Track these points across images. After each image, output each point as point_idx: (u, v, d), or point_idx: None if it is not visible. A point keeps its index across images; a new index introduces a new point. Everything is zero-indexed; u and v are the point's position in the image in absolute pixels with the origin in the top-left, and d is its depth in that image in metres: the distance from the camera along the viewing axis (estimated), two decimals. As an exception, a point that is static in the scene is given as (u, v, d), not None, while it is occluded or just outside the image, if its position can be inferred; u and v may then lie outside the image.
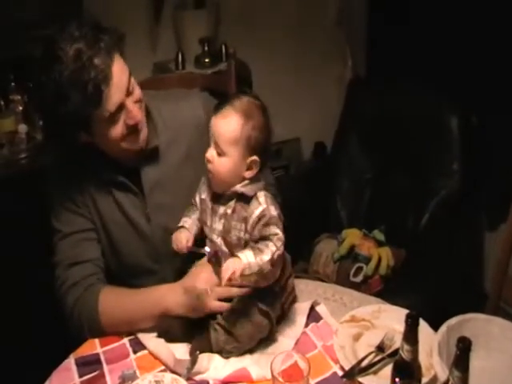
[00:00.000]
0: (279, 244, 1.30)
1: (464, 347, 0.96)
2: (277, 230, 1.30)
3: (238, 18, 2.89)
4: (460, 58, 2.46)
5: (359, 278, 2.29)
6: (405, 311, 1.40)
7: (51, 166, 1.58)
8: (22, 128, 2.35)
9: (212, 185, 1.38)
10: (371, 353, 1.33)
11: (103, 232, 1.54)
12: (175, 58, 2.68)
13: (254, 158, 1.31)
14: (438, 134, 2.45)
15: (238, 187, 1.32)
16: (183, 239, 1.40)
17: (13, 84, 2.38)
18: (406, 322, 1.06)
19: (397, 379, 1.08)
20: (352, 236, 2.38)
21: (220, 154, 1.30)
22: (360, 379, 1.26)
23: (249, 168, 1.32)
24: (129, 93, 1.38)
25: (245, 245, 1.34)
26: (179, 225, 1.43)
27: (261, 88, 3.02)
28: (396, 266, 2.33)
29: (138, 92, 1.42)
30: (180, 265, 1.50)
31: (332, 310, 1.51)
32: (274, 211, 1.31)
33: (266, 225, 1.30)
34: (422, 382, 1.12)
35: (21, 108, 2.40)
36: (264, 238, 1.30)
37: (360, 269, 2.31)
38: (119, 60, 1.36)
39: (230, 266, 1.25)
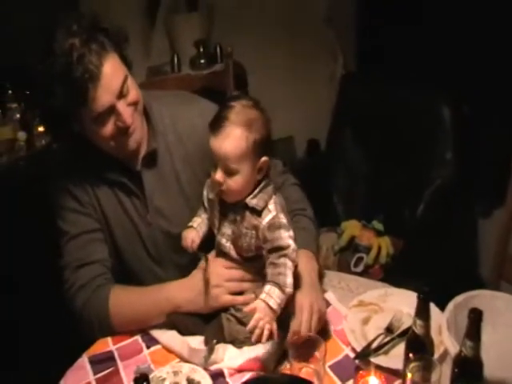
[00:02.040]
0: (294, 255, 1.30)
1: (475, 318, 0.98)
2: (289, 241, 1.30)
3: (231, 19, 2.92)
4: (450, 49, 2.50)
5: (360, 268, 2.32)
6: (410, 293, 1.45)
7: (55, 166, 1.58)
8: (22, 135, 2.35)
9: (224, 197, 1.36)
10: (381, 334, 1.35)
11: (107, 232, 1.54)
12: (171, 61, 2.71)
13: (264, 159, 1.31)
14: (431, 124, 2.47)
15: (249, 200, 1.32)
16: (189, 239, 1.40)
17: (10, 92, 2.39)
18: (419, 297, 1.09)
19: (410, 354, 1.10)
20: (351, 227, 2.41)
21: (230, 173, 1.29)
22: (372, 359, 1.28)
23: (259, 171, 1.32)
24: (121, 95, 1.36)
25: (256, 249, 1.35)
26: (189, 224, 1.44)
27: (254, 87, 3.08)
28: (395, 255, 2.36)
29: (134, 95, 1.40)
30: (183, 267, 1.51)
31: (339, 296, 1.53)
32: (283, 218, 1.31)
33: (277, 229, 1.30)
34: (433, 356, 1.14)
35: (18, 116, 2.41)
36: (278, 253, 1.30)
37: (360, 259, 2.34)
38: (113, 61, 1.35)
39: (261, 324, 1.24)
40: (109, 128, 1.38)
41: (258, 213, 1.32)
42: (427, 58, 2.62)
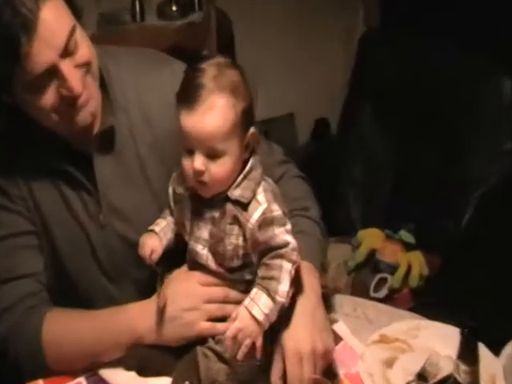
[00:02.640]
0: (294, 256, 1.32)
1: (469, 334, 1.09)
2: (286, 238, 1.32)
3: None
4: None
5: (382, 293, 2.34)
6: (451, 328, 1.47)
7: None
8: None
9: (201, 192, 1.37)
10: (410, 382, 1.37)
11: (44, 238, 1.56)
12: (131, 7, 2.71)
13: (252, 131, 1.34)
14: (482, 103, 2.49)
15: (231, 191, 1.34)
16: (148, 248, 1.42)
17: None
18: (462, 334, 1.10)
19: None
20: (371, 238, 2.43)
21: (214, 156, 1.30)
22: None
23: (247, 146, 1.35)
24: (66, 53, 1.35)
25: (243, 258, 1.37)
26: (149, 228, 1.46)
27: (243, 47, 3.10)
28: (430, 276, 2.38)
29: (84, 53, 1.40)
30: (144, 284, 1.54)
31: (354, 328, 1.56)
32: (277, 210, 1.33)
33: (270, 226, 1.32)
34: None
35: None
36: (272, 253, 1.32)
37: (383, 281, 2.36)
38: (56, 5, 1.34)
39: (241, 336, 1.27)
40: (50, 96, 1.37)
41: (243, 206, 1.34)
42: (476, 13, 2.63)
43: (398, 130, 2.70)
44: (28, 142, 1.50)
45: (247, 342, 1.26)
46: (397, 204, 2.67)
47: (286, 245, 1.31)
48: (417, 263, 2.36)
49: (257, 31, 3.02)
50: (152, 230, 1.45)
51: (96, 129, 1.52)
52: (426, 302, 2.30)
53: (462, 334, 1.11)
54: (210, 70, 1.29)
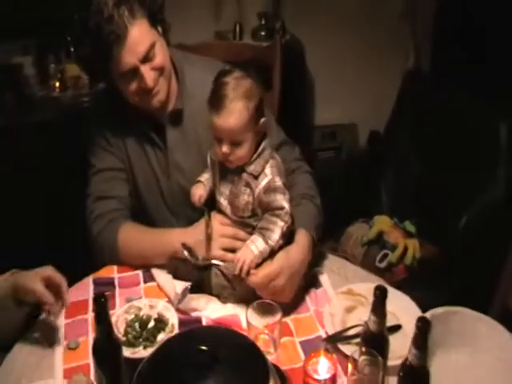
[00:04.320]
0: (287, 218, 1.39)
1: (381, 295, 1.10)
2: (283, 203, 1.38)
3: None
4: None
5: (383, 264, 2.31)
6: (404, 297, 1.46)
7: (94, 107, 1.74)
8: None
9: (228, 165, 1.43)
10: (358, 325, 1.36)
11: (130, 175, 1.66)
12: (233, 29, 2.80)
13: (263, 120, 1.40)
14: (487, 137, 2.40)
15: (247, 166, 1.40)
16: (197, 195, 1.50)
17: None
18: (375, 294, 1.11)
19: (363, 348, 1.12)
20: (381, 223, 2.41)
21: (236, 144, 1.37)
22: (339, 345, 1.31)
23: (259, 132, 1.40)
24: (146, 59, 1.46)
25: (251, 211, 1.43)
26: (197, 179, 1.53)
27: (317, 70, 3.10)
28: (424, 259, 2.34)
29: (159, 60, 1.49)
30: (196, 221, 1.58)
31: (333, 282, 1.56)
32: (279, 181, 1.39)
33: (273, 192, 1.38)
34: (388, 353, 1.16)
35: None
36: (272, 211, 1.38)
37: (386, 255, 2.34)
38: (141, 26, 1.44)
39: (242, 259, 1.35)
40: (133, 86, 1.49)
41: (254, 176, 1.40)
42: (499, 71, 2.53)
43: (425, 150, 2.62)
44: (125, 113, 1.60)
45: (247, 261, 1.34)
46: (413, 203, 2.62)
47: (282, 208, 1.38)
48: (412, 247, 2.30)
49: (329, 60, 3.02)
50: (199, 181, 1.53)
51: (170, 108, 1.61)
52: (417, 277, 2.28)
53: (375, 294, 1.11)
54: (231, 83, 1.35)
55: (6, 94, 2.58)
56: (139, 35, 1.43)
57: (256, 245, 1.36)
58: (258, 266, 1.38)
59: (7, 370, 1.30)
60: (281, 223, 1.38)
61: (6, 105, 2.57)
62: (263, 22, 2.78)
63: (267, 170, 1.40)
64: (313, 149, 3.38)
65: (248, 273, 1.35)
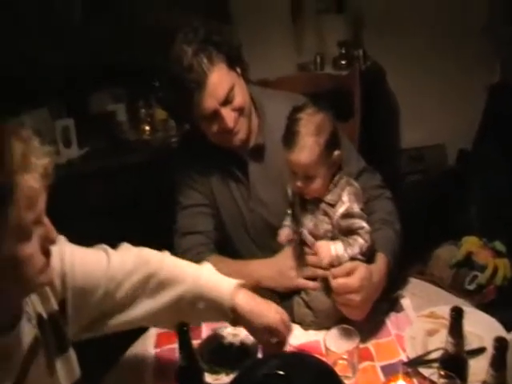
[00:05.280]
0: (367, 237, 1.42)
1: (456, 315, 1.08)
2: (362, 224, 1.42)
3: (379, 23, 2.96)
4: None
5: (473, 286, 2.25)
6: (489, 319, 1.43)
7: (178, 148, 1.84)
8: (173, 117, 2.65)
9: (304, 196, 1.49)
10: (441, 349, 1.31)
11: (215, 210, 1.73)
12: (314, 60, 2.86)
13: (337, 153, 1.43)
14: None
15: (324, 197, 1.44)
16: (283, 237, 1.55)
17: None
18: (451, 315, 1.10)
19: (441, 371, 1.12)
20: (470, 243, 2.34)
21: (309, 178, 1.42)
22: (421, 369, 1.30)
23: (333, 164, 1.44)
24: (226, 102, 1.52)
25: (331, 238, 1.46)
26: (283, 222, 1.58)
27: (401, 93, 3.09)
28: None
29: (239, 101, 1.55)
30: (275, 249, 1.62)
31: (416, 305, 1.55)
32: (356, 208, 1.42)
33: (351, 218, 1.42)
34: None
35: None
36: (352, 232, 1.42)
37: (475, 277, 2.28)
38: (220, 72, 1.50)
39: (321, 249, 1.40)
40: (214, 127, 1.56)
41: (332, 205, 1.44)
42: None
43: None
44: (209, 151, 1.67)
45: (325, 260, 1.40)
46: (500, 220, 2.54)
47: (362, 228, 1.42)
48: (502, 267, 2.23)
49: (411, 82, 3.00)
50: (285, 225, 1.57)
51: (251, 143, 1.66)
52: (508, 298, 2.20)
53: (451, 315, 1.10)
54: (303, 119, 1.40)
55: (102, 140, 2.80)
56: (218, 80, 1.50)
57: (336, 247, 1.40)
58: None
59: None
60: (361, 241, 1.41)
61: (101, 149, 2.78)
62: (343, 51, 2.82)
63: (344, 198, 1.43)
64: (400, 172, 3.35)
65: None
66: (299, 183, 1.43)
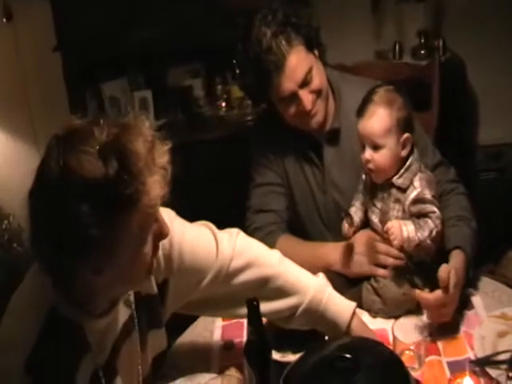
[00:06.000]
0: (438, 222, 1.41)
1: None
2: (434, 208, 1.40)
3: (462, 13, 2.87)
4: None
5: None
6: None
7: (255, 127, 1.88)
8: (248, 95, 2.66)
9: (374, 178, 1.48)
10: (511, 351, 1.30)
11: (288, 190, 1.74)
12: (393, 48, 2.82)
13: (406, 135, 1.42)
14: None
15: (395, 180, 1.43)
16: (347, 228, 1.53)
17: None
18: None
19: (510, 373, 1.09)
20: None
21: (376, 148, 1.41)
22: (488, 369, 1.27)
23: (403, 147, 1.43)
24: (304, 84, 1.53)
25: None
26: (347, 211, 1.56)
27: (480, 88, 2.99)
28: None
29: (317, 83, 1.55)
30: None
31: (487, 304, 1.52)
32: (428, 194, 1.41)
33: (423, 203, 1.40)
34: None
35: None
36: (423, 216, 1.40)
37: (542, 279, 2.20)
38: (298, 54, 1.51)
39: (393, 230, 1.38)
40: (292, 109, 1.57)
41: (403, 190, 1.43)
42: None
43: None
44: (284, 132, 1.68)
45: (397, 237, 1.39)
46: None
47: (433, 212, 1.41)
48: None
49: (491, 77, 2.90)
50: (348, 214, 1.54)
51: (327, 127, 1.66)
52: None
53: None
54: (379, 92, 1.42)
55: (178, 114, 2.85)
56: (297, 62, 1.51)
57: (407, 228, 1.39)
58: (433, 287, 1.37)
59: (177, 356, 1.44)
60: (431, 224, 1.40)
61: (178, 123, 2.83)
62: (423, 41, 2.77)
63: (416, 183, 1.42)
64: (474, 169, 3.25)
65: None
66: (367, 154, 1.43)
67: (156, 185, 0.94)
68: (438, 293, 1.35)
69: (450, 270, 1.35)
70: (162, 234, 1.02)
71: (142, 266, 1.00)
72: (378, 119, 1.41)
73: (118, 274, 0.97)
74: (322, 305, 1.30)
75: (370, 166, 1.44)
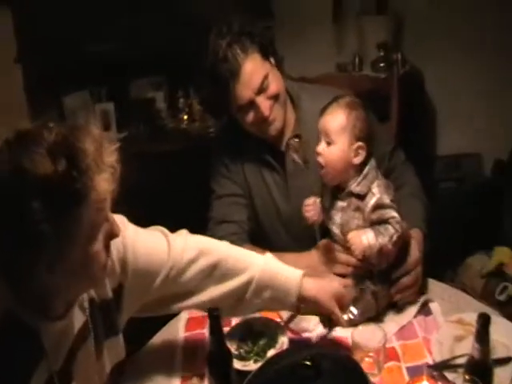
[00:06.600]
0: (398, 226, 1.43)
1: (484, 322, 1.09)
2: (393, 213, 1.43)
3: (420, 27, 2.94)
4: None
5: (503, 297, 2.24)
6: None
7: (214, 138, 1.87)
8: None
9: (325, 179, 1.51)
10: (467, 355, 1.29)
11: (249, 200, 1.75)
12: (353, 61, 2.86)
13: (360, 143, 1.45)
14: None
15: (353, 187, 1.47)
16: (311, 210, 1.55)
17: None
18: (478, 321, 1.11)
19: (466, 376, 1.12)
20: (501, 254, 2.33)
21: (329, 143, 1.46)
22: (446, 373, 1.30)
23: (356, 154, 1.46)
24: (260, 90, 1.55)
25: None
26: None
27: (439, 99, 3.06)
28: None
29: (273, 88, 1.58)
30: (308, 244, 1.65)
31: (445, 310, 1.55)
32: (386, 199, 1.44)
33: (382, 209, 1.43)
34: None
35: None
36: (383, 222, 1.43)
37: (506, 288, 2.26)
38: (254, 61, 1.54)
39: (353, 240, 1.41)
40: (250, 117, 1.59)
41: (362, 197, 1.46)
42: None
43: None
44: (244, 141, 1.70)
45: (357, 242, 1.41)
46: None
47: (393, 217, 1.43)
48: (534, 280, 2.22)
49: (449, 88, 2.97)
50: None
51: (288, 134, 1.69)
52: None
53: (478, 322, 1.11)
54: (344, 98, 1.49)
55: (141, 126, 2.85)
56: (252, 69, 1.53)
57: (367, 236, 1.41)
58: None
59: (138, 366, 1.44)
60: (391, 230, 1.42)
61: (140, 134, 2.83)
62: (382, 54, 2.81)
63: (374, 190, 1.46)
64: (434, 179, 3.32)
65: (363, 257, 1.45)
66: (320, 147, 1.47)
67: (104, 181, 0.96)
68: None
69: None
70: (113, 233, 1.04)
71: (95, 265, 1.02)
72: (336, 117, 1.45)
73: (71, 273, 0.98)
74: (273, 274, 1.33)
75: (321, 159, 1.48)
